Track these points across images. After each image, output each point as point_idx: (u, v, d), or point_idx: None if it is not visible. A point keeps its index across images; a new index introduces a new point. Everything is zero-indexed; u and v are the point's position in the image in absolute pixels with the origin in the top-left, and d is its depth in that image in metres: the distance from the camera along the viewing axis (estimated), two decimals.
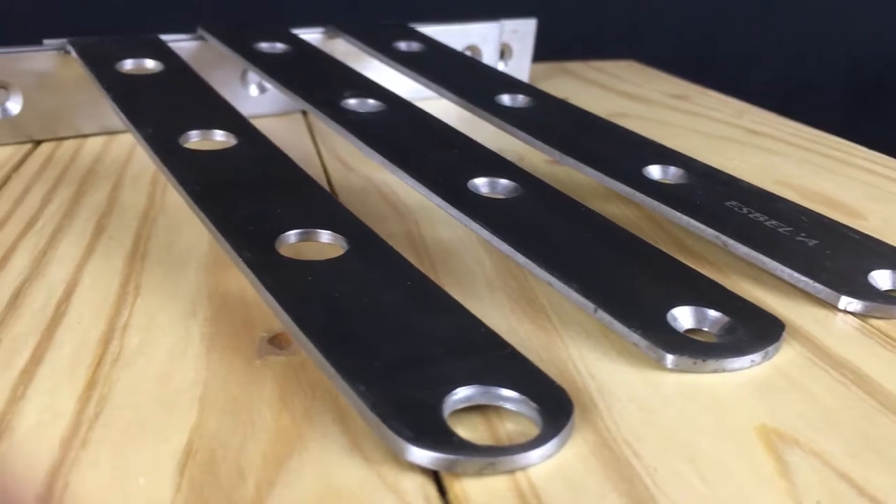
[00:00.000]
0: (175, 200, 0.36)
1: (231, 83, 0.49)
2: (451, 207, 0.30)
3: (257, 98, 0.50)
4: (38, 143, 0.45)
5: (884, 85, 0.91)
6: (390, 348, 0.22)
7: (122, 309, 0.26)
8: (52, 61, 0.44)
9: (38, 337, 0.25)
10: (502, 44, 0.59)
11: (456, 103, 0.43)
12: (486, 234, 0.29)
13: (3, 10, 0.68)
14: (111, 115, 0.43)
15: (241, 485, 0.19)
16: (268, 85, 0.48)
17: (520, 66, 0.60)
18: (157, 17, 0.69)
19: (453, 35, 0.55)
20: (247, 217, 0.28)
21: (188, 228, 0.33)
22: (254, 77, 0.50)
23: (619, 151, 0.37)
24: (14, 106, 0.44)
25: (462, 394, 0.21)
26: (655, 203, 0.32)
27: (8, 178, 0.39)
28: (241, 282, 0.28)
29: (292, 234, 0.28)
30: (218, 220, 0.28)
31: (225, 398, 0.22)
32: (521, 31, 0.60)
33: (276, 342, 0.25)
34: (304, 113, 0.52)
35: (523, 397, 0.21)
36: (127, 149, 0.44)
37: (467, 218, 0.30)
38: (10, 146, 0.44)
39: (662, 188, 0.34)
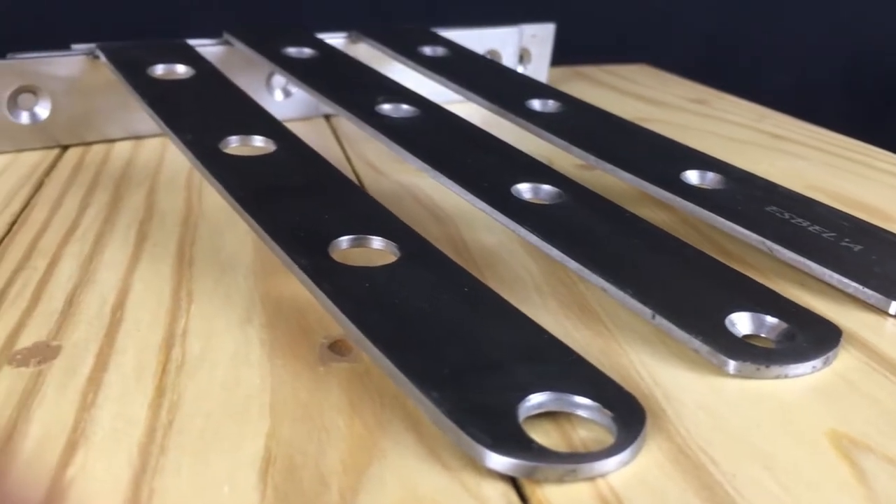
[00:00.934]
0: (214, 205, 0.36)
1: (256, 88, 0.49)
2: (498, 213, 0.31)
3: (281, 103, 0.50)
4: (65, 147, 0.45)
5: (884, 88, 0.91)
6: (457, 355, 0.22)
7: (178, 315, 0.26)
8: (80, 66, 0.44)
9: (99, 343, 0.25)
10: (521, 48, 0.59)
11: (486, 108, 0.43)
12: (534, 239, 0.29)
13: (23, 15, 0.67)
14: (138, 119, 0.43)
15: (325, 492, 0.19)
16: (299, 90, 0.48)
17: (538, 71, 0.60)
18: (169, 23, 0.69)
19: (474, 39, 0.55)
20: (297, 223, 0.28)
21: (231, 234, 0.33)
22: (279, 81, 0.50)
23: (655, 156, 0.37)
24: (43, 111, 0.44)
25: (535, 400, 0.21)
26: (697, 208, 0.33)
27: (41, 184, 0.39)
28: (293, 287, 0.28)
29: (344, 240, 0.28)
30: (269, 226, 0.28)
31: (294, 405, 0.22)
32: (540, 36, 0.60)
33: (337, 348, 0.25)
34: (328, 117, 0.52)
35: (597, 404, 0.21)
36: (155, 153, 0.44)
37: (515, 224, 0.30)
38: (38, 151, 0.44)
39: (702, 193, 0.34)
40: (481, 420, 0.20)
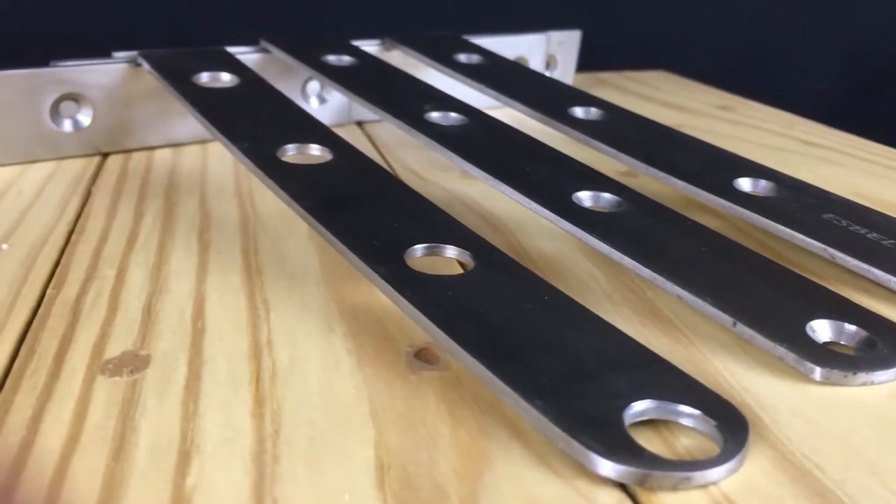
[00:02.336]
0: (269, 213, 0.36)
1: (291, 95, 0.49)
2: (564, 221, 0.31)
3: (317, 110, 0.51)
4: (105, 155, 0.45)
5: (881, 83, 0.92)
6: (551, 363, 0.23)
7: (258, 324, 0.27)
8: (121, 74, 0.44)
9: (187, 352, 0.25)
10: (548, 55, 0.59)
11: (528, 115, 0.44)
12: (603, 247, 0.30)
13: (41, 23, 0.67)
14: (176, 127, 0.44)
15: (446, 500, 0.19)
16: (333, 97, 0.48)
17: (564, 77, 0.60)
18: (189, 31, 0.69)
19: (502, 46, 0.55)
20: (368, 232, 0.29)
21: (292, 241, 0.33)
22: (313, 88, 0.51)
23: (704, 163, 0.38)
24: (85, 118, 0.44)
25: (638, 408, 0.21)
26: (755, 216, 0.33)
27: (89, 192, 0.39)
28: (366, 295, 0.29)
29: (418, 249, 0.28)
30: (342, 235, 0.28)
31: (394, 414, 0.22)
32: (567, 43, 0.60)
33: (423, 357, 0.25)
34: (360, 124, 0.52)
35: (699, 413, 0.21)
36: (196, 161, 0.44)
37: (583, 232, 0.30)
38: (79, 159, 0.44)
39: (756, 201, 0.34)
40: (589, 428, 0.20)
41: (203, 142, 0.47)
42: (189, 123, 0.46)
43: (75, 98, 0.44)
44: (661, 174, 0.37)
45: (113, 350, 0.25)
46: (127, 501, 0.19)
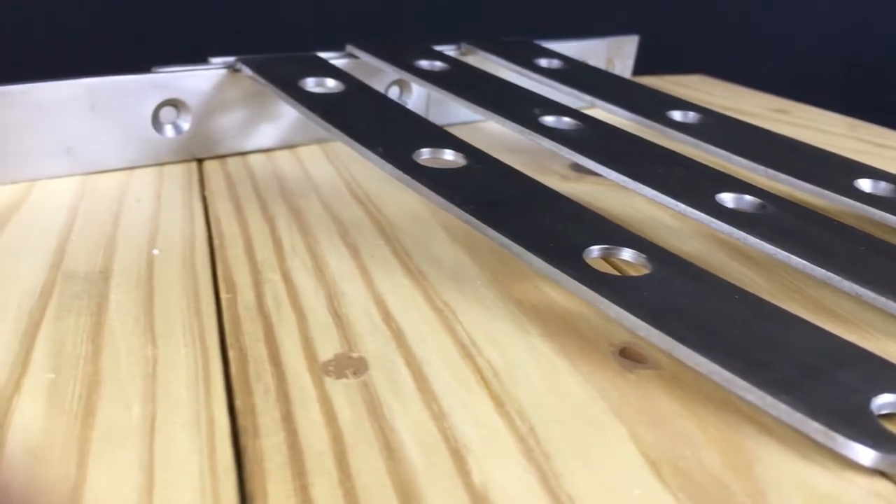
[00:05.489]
0: (398, 216, 0.37)
1: None
2: (718, 222, 0.32)
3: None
4: (200, 161, 0.45)
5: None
6: (775, 360, 0.23)
7: (452, 326, 0.27)
8: (218, 79, 0.44)
9: (399, 354, 0.25)
10: (607, 59, 0.60)
11: (625, 118, 0.44)
12: (769, 248, 0.30)
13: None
14: (269, 132, 0.44)
15: (732, 496, 0.20)
16: (454, 101, 0.49)
17: None
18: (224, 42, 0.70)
19: (566, 51, 0.56)
20: (540, 234, 0.29)
21: (437, 245, 0.34)
22: (393, 93, 0.51)
23: (818, 165, 0.39)
24: (185, 124, 0.44)
25: (881, 401, 0.22)
26: (888, 216, 0.34)
27: (204, 197, 0.39)
28: (543, 296, 0.30)
29: (595, 250, 0.29)
30: (518, 238, 0.29)
31: (634, 412, 0.23)
32: (625, 48, 0.61)
33: (629, 355, 0.26)
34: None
35: None
36: (294, 165, 0.44)
37: (741, 233, 0.31)
38: (177, 164, 0.44)
39: (882, 201, 0.35)
40: (846, 421, 0.21)
41: (292, 146, 0.48)
42: (280, 129, 0.47)
43: (175, 104, 0.43)
44: (784, 176, 0.37)
45: (324, 353, 0.25)
46: (425, 500, 0.19)
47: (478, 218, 0.30)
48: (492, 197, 0.32)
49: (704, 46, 0.88)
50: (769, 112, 0.60)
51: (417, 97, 0.51)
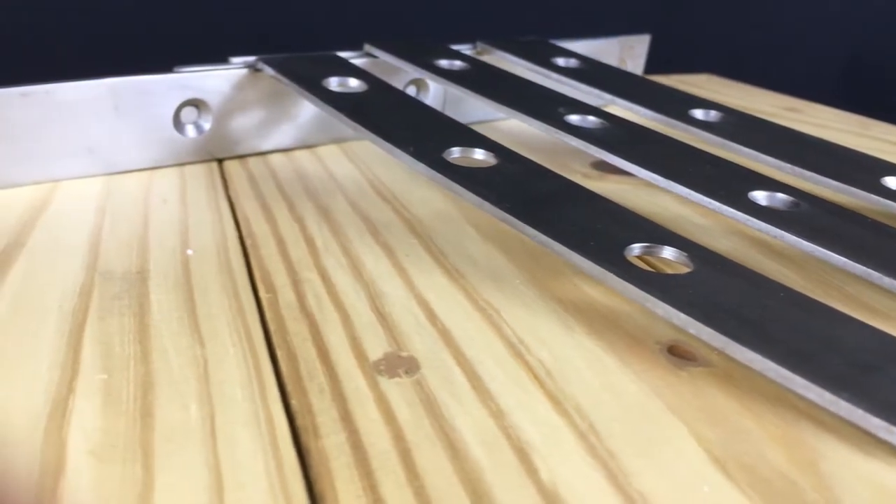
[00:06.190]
0: (426, 215, 0.37)
1: None
2: (754, 220, 0.32)
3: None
4: (220, 161, 0.45)
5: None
6: (829, 356, 0.23)
7: (499, 325, 0.27)
8: (239, 79, 0.44)
9: (449, 354, 0.25)
10: (619, 59, 0.60)
11: (647, 117, 0.44)
12: (807, 245, 0.31)
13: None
14: (287, 132, 0.46)
15: (801, 492, 0.20)
16: (479, 101, 0.49)
17: None
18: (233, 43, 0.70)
19: (578, 50, 0.56)
20: (580, 232, 0.29)
21: (469, 243, 0.34)
22: (410, 92, 0.51)
23: (842, 163, 0.39)
24: (206, 124, 0.44)
25: None
26: None
27: (229, 197, 0.39)
28: (582, 293, 0.30)
29: (636, 248, 0.29)
30: (559, 236, 0.29)
31: (691, 409, 0.23)
32: (637, 47, 0.61)
33: (677, 353, 0.26)
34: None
35: None
36: (315, 165, 0.44)
37: (779, 230, 0.31)
38: (198, 164, 0.44)
39: None
40: None
41: (311, 146, 0.47)
42: (298, 128, 0.47)
43: (196, 104, 0.43)
44: (810, 174, 0.37)
45: (372, 352, 0.25)
46: (497, 499, 0.19)
47: (516, 216, 0.30)
48: (527, 195, 0.32)
49: (704, 46, 0.88)
50: (781, 111, 0.60)
51: (434, 96, 0.51)
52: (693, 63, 0.78)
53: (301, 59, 0.45)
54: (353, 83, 0.43)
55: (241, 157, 0.46)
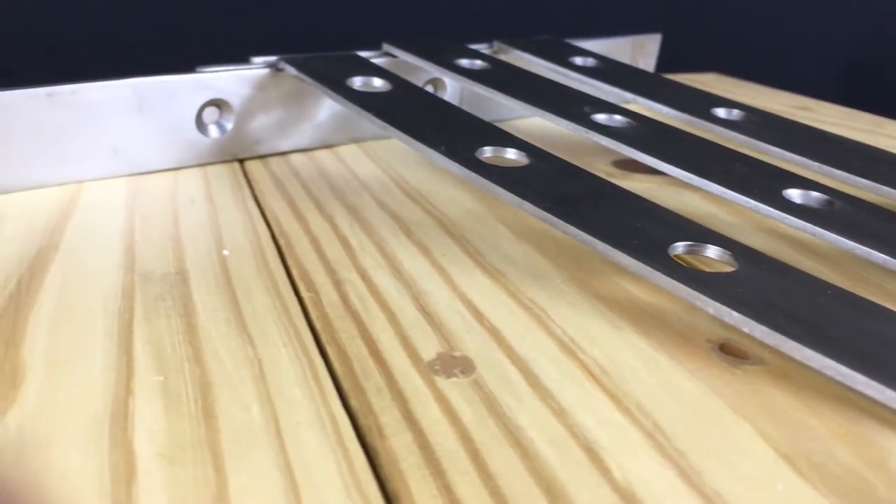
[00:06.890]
0: (456, 214, 0.37)
1: None
2: (792, 218, 0.32)
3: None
4: (241, 161, 0.45)
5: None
6: (886, 353, 0.24)
7: (547, 325, 0.27)
8: (260, 79, 0.44)
9: (502, 353, 0.25)
10: (630, 58, 0.60)
11: (672, 116, 0.44)
12: (847, 243, 0.31)
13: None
14: (307, 131, 0.46)
15: (871, 488, 0.20)
16: (503, 101, 0.49)
17: None
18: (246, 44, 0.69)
19: (591, 49, 0.56)
20: (622, 231, 0.29)
21: (504, 242, 0.34)
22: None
23: (870, 162, 0.39)
24: (228, 124, 0.44)
25: None
26: None
27: (256, 197, 0.39)
28: (625, 292, 0.30)
29: (680, 246, 0.29)
30: (602, 235, 0.29)
31: (750, 407, 0.23)
32: (648, 46, 0.61)
33: (729, 351, 0.26)
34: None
35: None
36: (337, 164, 0.44)
37: (818, 228, 0.31)
38: (219, 164, 0.44)
39: None
40: None
41: (330, 146, 0.47)
42: (318, 128, 0.47)
43: (218, 104, 0.43)
44: (838, 172, 0.37)
45: (425, 352, 0.25)
46: (573, 498, 0.19)
47: (556, 216, 0.30)
48: (563, 194, 0.32)
49: (704, 46, 0.88)
50: (793, 110, 0.60)
51: (451, 96, 0.51)
52: (694, 63, 0.78)
53: (323, 58, 0.45)
54: (378, 83, 0.43)
55: (262, 157, 0.45)
